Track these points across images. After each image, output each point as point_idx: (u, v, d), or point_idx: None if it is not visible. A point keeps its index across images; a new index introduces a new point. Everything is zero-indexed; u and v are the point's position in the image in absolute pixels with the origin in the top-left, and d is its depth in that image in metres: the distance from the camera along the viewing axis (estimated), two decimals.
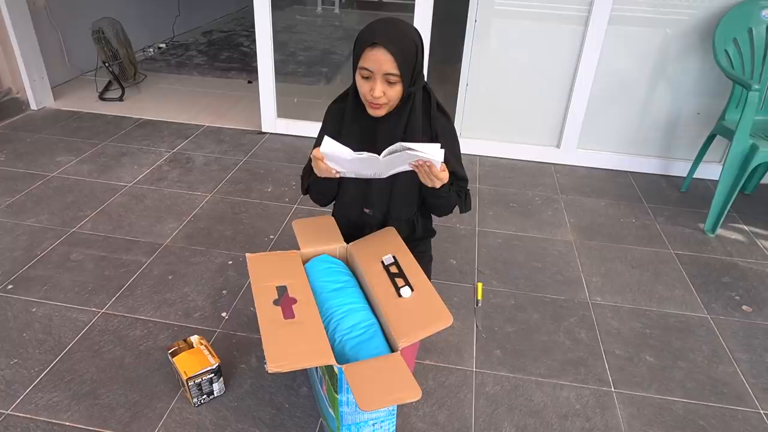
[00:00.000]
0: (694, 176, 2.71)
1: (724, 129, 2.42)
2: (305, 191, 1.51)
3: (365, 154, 1.16)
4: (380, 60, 1.21)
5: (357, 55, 1.25)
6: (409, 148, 1.14)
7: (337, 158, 1.21)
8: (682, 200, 2.64)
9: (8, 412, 1.40)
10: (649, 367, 1.65)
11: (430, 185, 1.26)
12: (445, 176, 1.23)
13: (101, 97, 3.50)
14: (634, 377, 1.61)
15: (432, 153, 1.15)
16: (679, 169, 2.85)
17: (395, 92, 1.26)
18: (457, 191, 1.41)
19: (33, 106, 3.28)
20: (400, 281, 1.28)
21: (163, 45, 4.64)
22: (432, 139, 1.39)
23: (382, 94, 1.24)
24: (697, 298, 1.95)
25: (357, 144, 1.38)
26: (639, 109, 2.79)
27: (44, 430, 1.35)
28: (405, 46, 1.23)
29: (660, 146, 2.87)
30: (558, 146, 2.93)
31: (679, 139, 2.83)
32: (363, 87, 1.27)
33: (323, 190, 1.47)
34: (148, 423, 1.39)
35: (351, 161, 1.20)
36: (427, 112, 1.37)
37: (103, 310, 1.75)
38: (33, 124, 3.11)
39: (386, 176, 1.32)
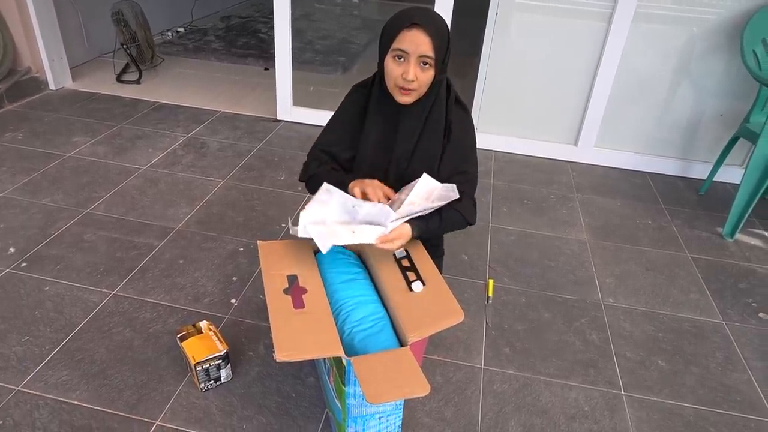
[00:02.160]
0: (714, 179, 2.66)
1: (748, 132, 2.37)
2: (305, 180, 1.47)
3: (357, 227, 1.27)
4: (418, 41, 1.20)
5: (391, 37, 1.23)
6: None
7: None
8: (700, 203, 2.60)
9: (19, 388, 1.41)
10: (660, 371, 1.63)
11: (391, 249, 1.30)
12: (396, 243, 1.27)
13: (119, 79, 3.51)
14: (644, 381, 1.59)
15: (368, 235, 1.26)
16: (699, 171, 2.80)
17: (427, 77, 1.25)
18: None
19: (51, 86, 3.30)
20: (411, 275, 1.27)
21: (181, 29, 4.64)
22: (446, 131, 1.37)
23: (415, 77, 1.23)
24: (713, 304, 1.92)
25: (379, 133, 1.38)
26: (660, 108, 2.74)
27: (53, 408, 1.36)
28: (441, 30, 1.23)
29: (680, 147, 2.82)
30: (575, 144, 2.89)
31: (700, 141, 2.78)
32: (395, 71, 1.25)
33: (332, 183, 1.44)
34: (155, 405, 1.39)
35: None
36: (444, 104, 1.35)
37: (114, 292, 1.76)
38: (51, 103, 3.13)
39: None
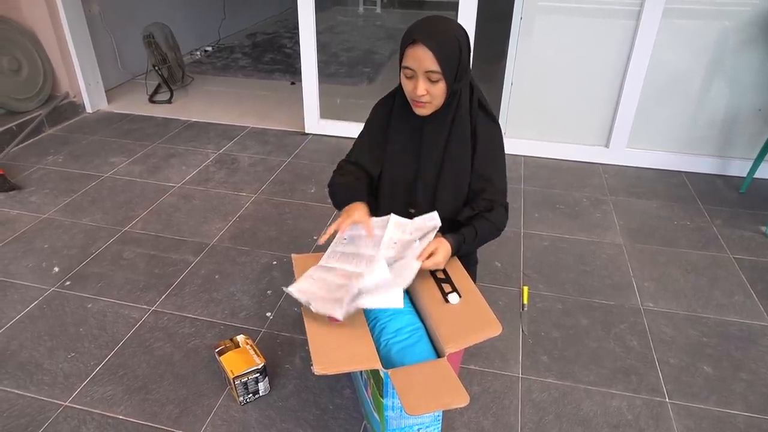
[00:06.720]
0: (755, 176, 2.57)
1: None
2: (330, 186, 1.47)
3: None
4: (420, 57, 1.20)
5: (400, 55, 1.25)
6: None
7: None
8: (740, 201, 2.51)
9: (66, 403, 1.46)
10: (706, 377, 1.57)
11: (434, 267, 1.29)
12: (437, 259, 1.26)
13: (151, 100, 3.62)
14: (690, 388, 1.54)
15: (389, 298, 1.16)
16: (738, 168, 2.71)
17: (438, 90, 1.25)
18: (483, 210, 1.36)
19: (88, 109, 3.42)
20: (447, 287, 1.26)
21: (209, 48, 4.76)
22: (473, 135, 1.36)
23: (425, 92, 1.24)
24: (759, 305, 1.85)
25: (404, 143, 1.38)
26: (694, 106, 2.67)
27: (99, 423, 1.40)
28: (446, 42, 1.21)
29: (716, 145, 2.73)
30: (606, 146, 2.84)
31: (738, 137, 2.69)
32: (407, 86, 1.27)
33: (344, 199, 1.43)
34: (196, 419, 1.42)
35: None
36: (468, 110, 1.35)
37: (153, 308, 1.80)
38: (88, 126, 3.24)
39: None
